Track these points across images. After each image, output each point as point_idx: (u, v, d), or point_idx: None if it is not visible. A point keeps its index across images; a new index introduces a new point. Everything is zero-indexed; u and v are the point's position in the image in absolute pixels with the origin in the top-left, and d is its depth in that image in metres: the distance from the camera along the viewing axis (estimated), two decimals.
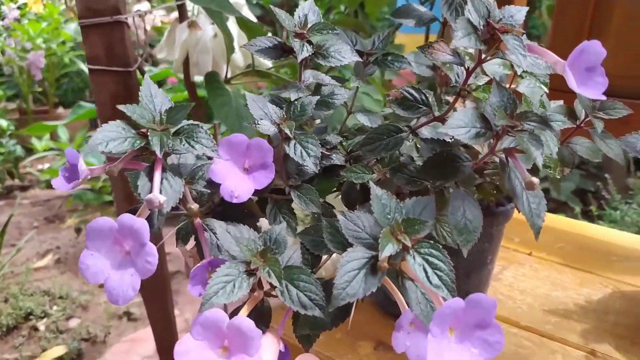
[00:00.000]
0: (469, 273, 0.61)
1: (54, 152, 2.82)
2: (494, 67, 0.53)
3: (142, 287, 0.97)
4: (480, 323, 0.33)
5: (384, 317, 0.65)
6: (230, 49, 0.87)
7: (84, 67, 3.39)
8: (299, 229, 0.81)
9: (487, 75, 0.52)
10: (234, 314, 0.36)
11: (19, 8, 3.33)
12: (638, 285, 0.73)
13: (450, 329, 0.34)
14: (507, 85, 0.62)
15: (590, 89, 0.37)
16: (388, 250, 0.34)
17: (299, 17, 0.49)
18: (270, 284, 0.35)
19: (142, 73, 0.84)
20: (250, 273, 0.35)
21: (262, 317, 0.38)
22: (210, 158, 0.41)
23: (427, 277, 0.33)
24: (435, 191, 0.47)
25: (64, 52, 3.42)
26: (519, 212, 0.42)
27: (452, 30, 0.55)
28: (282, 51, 0.49)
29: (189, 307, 1.81)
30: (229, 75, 0.95)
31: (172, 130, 0.37)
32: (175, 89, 2.55)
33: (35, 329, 1.69)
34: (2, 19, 3.30)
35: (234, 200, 0.40)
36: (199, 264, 0.38)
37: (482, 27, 0.39)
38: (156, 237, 0.38)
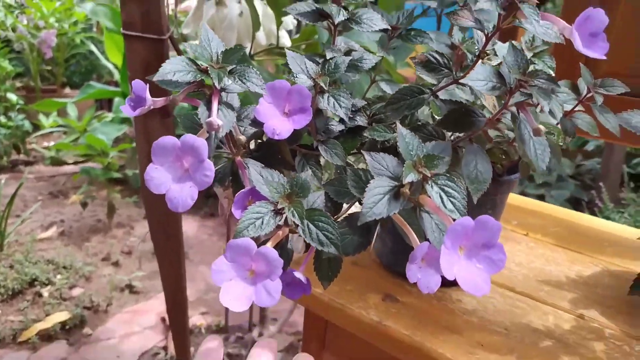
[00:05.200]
0: None
1: (60, 130, 2.86)
2: (502, 50, 0.58)
3: (158, 251, 1.02)
4: (486, 243, 0.38)
5: (390, 275, 0.70)
6: (256, 26, 0.92)
7: (94, 49, 3.44)
8: None
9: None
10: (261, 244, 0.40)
11: None
12: (627, 266, 0.78)
13: (460, 248, 0.39)
14: None
15: (594, 50, 0.42)
16: (410, 177, 0.39)
17: None
18: (294, 222, 0.40)
19: (173, 43, 0.89)
20: (278, 212, 0.40)
21: (284, 253, 0.43)
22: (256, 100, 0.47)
23: (443, 203, 0.39)
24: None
25: (74, 32, 3.46)
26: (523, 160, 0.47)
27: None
28: (319, 15, 0.54)
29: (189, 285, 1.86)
30: (252, 52, 1.01)
31: (228, 69, 0.42)
32: None
33: (39, 295, 1.74)
34: None
35: (276, 137, 0.45)
36: (241, 191, 0.43)
37: None
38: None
